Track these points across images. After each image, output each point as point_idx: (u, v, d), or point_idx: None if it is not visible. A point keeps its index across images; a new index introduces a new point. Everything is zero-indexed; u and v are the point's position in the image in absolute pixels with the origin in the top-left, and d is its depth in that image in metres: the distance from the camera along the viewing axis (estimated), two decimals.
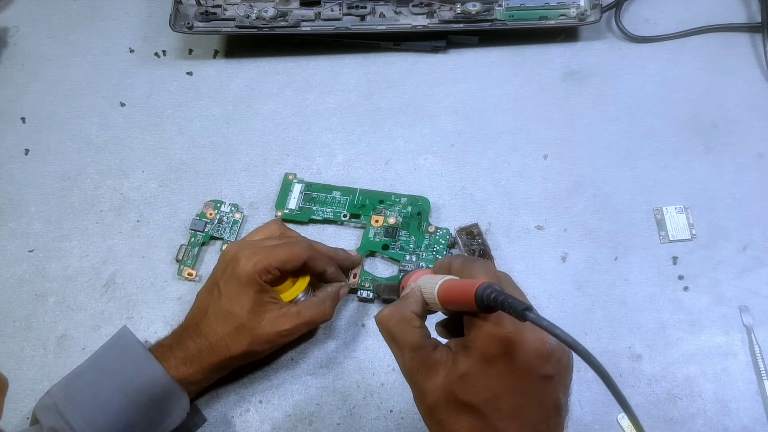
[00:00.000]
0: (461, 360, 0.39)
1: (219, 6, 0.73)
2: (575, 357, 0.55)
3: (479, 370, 0.38)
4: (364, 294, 0.60)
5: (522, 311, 0.34)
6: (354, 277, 0.61)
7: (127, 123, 0.73)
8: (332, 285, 0.58)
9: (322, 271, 0.57)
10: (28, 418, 0.55)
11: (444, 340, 0.43)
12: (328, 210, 0.64)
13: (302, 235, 0.59)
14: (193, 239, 0.64)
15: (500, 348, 0.37)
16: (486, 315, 0.37)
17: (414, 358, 0.41)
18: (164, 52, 0.77)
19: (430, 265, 0.61)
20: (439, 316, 0.44)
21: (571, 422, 0.55)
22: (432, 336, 0.42)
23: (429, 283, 0.42)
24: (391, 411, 0.57)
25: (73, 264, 0.65)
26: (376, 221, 0.63)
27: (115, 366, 0.52)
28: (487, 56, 0.73)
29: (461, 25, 0.72)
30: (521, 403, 0.38)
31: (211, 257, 0.64)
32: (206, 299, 0.54)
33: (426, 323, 0.43)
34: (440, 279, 0.41)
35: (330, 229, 0.65)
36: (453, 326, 0.43)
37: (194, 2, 0.73)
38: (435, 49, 0.74)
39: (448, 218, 0.65)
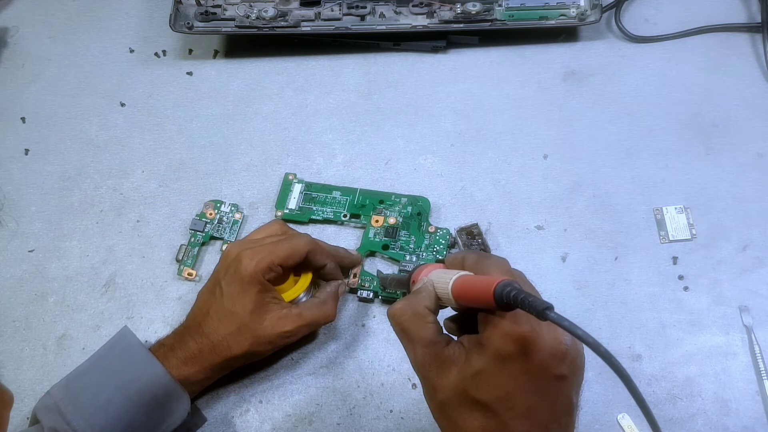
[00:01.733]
0: (475, 357, 0.38)
1: (219, 6, 0.73)
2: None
3: (493, 368, 0.38)
4: (364, 294, 0.60)
5: (543, 310, 0.33)
6: (354, 277, 0.61)
7: (127, 123, 0.73)
8: (331, 284, 0.58)
9: (322, 266, 0.57)
10: (28, 418, 0.55)
11: (453, 336, 0.43)
12: (328, 210, 0.64)
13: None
14: (193, 239, 0.64)
15: (516, 347, 0.37)
16: (502, 313, 0.37)
17: (426, 353, 0.40)
18: (164, 52, 0.77)
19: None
20: (447, 312, 0.44)
21: None
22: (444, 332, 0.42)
23: (442, 279, 0.41)
24: (391, 411, 0.57)
25: (73, 264, 0.65)
26: (376, 221, 0.63)
27: (116, 366, 0.52)
28: (487, 56, 0.73)
29: (461, 25, 0.72)
30: (534, 402, 0.38)
31: (211, 257, 0.64)
32: (208, 299, 0.54)
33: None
34: (454, 274, 0.41)
35: (330, 229, 0.65)
36: (463, 322, 0.43)
37: (194, 2, 0.73)
38: (435, 49, 0.74)
39: (448, 218, 0.65)
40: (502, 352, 0.37)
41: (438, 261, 0.61)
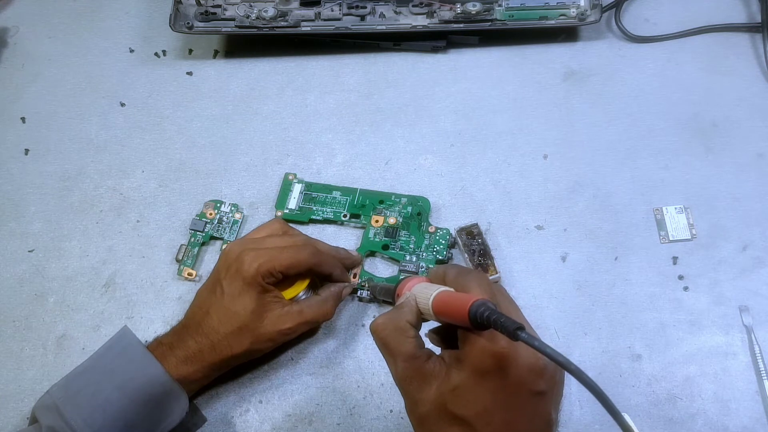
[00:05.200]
0: (454, 373, 0.39)
1: (219, 6, 0.73)
2: (573, 346, 0.56)
3: (472, 383, 0.38)
4: (364, 294, 0.60)
5: (514, 330, 0.34)
6: (354, 277, 0.61)
7: (127, 123, 0.73)
8: (336, 285, 0.58)
9: (327, 274, 0.57)
10: (27, 418, 0.55)
11: (437, 349, 0.43)
12: (328, 210, 0.64)
13: (304, 234, 0.59)
14: (193, 239, 0.64)
15: (494, 363, 0.37)
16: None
17: (407, 368, 0.41)
18: (164, 52, 0.77)
19: (431, 265, 0.61)
20: (433, 323, 0.44)
21: (571, 422, 0.55)
22: (426, 346, 0.42)
23: (424, 293, 0.42)
24: (391, 411, 0.56)
25: (73, 264, 0.65)
26: (376, 221, 0.63)
27: (115, 366, 0.52)
28: (487, 56, 0.73)
29: (461, 25, 0.72)
30: (513, 418, 0.38)
31: (211, 257, 0.64)
32: (208, 298, 0.54)
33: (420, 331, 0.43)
34: (435, 290, 0.41)
35: (330, 229, 0.65)
36: (446, 334, 0.43)
37: (194, 2, 0.73)
38: (435, 49, 0.74)
39: (448, 218, 0.65)
40: (480, 367, 0.38)
41: (438, 261, 0.61)
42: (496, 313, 0.35)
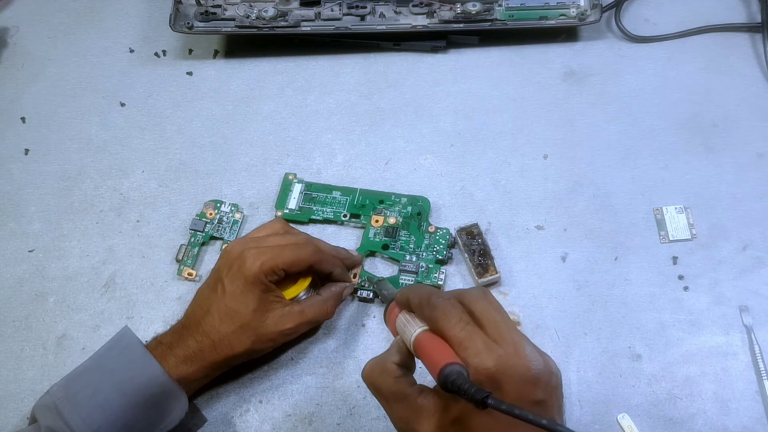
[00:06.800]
0: (452, 404, 0.39)
1: (219, 6, 0.73)
2: (573, 346, 0.56)
3: (470, 410, 0.38)
4: (364, 294, 0.60)
5: (481, 399, 0.35)
6: (354, 277, 0.61)
7: (127, 123, 0.73)
8: (337, 285, 0.58)
9: (328, 273, 0.57)
10: (27, 418, 0.55)
11: (429, 381, 0.43)
12: (328, 210, 0.64)
13: (305, 233, 0.59)
14: (193, 239, 0.64)
15: (487, 384, 0.37)
16: (468, 353, 0.38)
17: (402, 408, 0.41)
18: (164, 52, 0.77)
19: (431, 265, 0.61)
20: None
21: (571, 422, 0.55)
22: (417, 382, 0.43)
23: (405, 334, 0.43)
24: None
25: (73, 264, 0.65)
26: (376, 221, 0.63)
27: (114, 366, 0.52)
28: (487, 56, 0.73)
29: (461, 25, 0.72)
30: None
31: (211, 257, 0.64)
32: (209, 297, 0.54)
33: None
34: (414, 331, 0.42)
35: (330, 229, 0.65)
36: None
37: (194, 2, 0.73)
38: (435, 49, 0.74)
39: (448, 218, 0.65)
40: None
41: (438, 261, 0.61)
42: (466, 382, 0.36)
